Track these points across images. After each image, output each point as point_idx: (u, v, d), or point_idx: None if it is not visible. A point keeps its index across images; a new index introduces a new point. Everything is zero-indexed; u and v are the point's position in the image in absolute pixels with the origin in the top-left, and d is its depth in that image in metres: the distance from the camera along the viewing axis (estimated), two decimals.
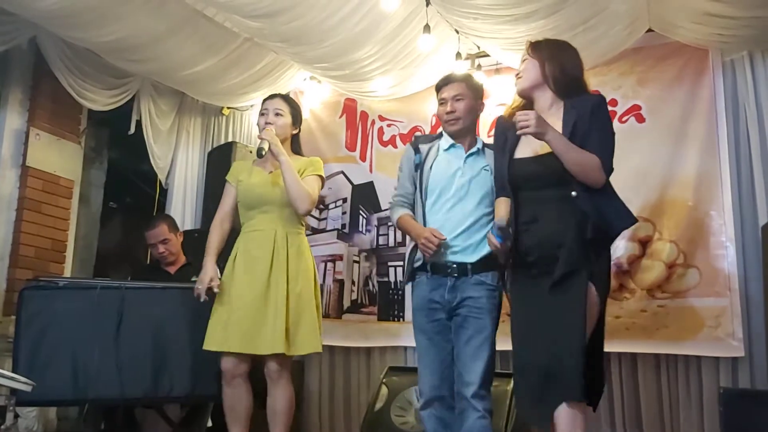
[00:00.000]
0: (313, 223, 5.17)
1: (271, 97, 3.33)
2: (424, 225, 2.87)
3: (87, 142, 5.28)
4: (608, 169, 2.42)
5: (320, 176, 3.25)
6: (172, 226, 4.20)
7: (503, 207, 2.60)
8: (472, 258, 2.81)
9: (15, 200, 4.64)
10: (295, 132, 3.31)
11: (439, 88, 3.06)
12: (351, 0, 3.84)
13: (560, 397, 2.27)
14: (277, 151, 3.08)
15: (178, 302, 3.32)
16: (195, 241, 4.28)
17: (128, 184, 6.37)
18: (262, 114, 3.25)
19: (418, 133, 3.17)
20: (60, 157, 4.92)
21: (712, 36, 3.90)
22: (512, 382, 2.51)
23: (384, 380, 4.14)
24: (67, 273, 4.91)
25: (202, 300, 3.05)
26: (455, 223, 2.84)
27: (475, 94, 3.01)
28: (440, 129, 3.09)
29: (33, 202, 4.69)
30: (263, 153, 3.08)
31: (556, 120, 2.47)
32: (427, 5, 3.94)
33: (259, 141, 3.13)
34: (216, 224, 3.24)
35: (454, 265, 2.81)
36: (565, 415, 2.25)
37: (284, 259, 3.07)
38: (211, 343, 3.02)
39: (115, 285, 3.34)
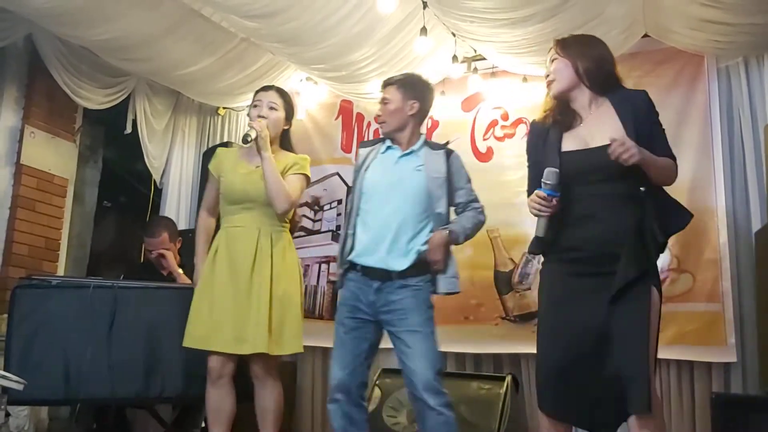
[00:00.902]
0: (308, 224, 5.16)
1: (266, 88, 3.25)
2: (353, 228, 2.91)
3: (82, 141, 5.27)
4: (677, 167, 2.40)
5: (305, 175, 3.18)
6: (173, 234, 4.14)
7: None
8: (398, 265, 2.82)
9: (9, 198, 4.63)
10: (286, 127, 3.25)
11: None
12: (348, 2, 3.84)
13: (630, 408, 2.17)
14: (262, 145, 3.01)
15: (171, 302, 3.30)
16: (189, 241, 4.25)
17: (123, 183, 6.36)
18: (255, 106, 3.17)
19: (363, 140, 3.20)
20: (54, 156, 4.91)
21: (707, 42, 3.91)
22: (539, 374, 2.36)
23: (377, 382, 4.15)
24: (61, 272, 4.90)
25: None
26: (382, 226, 2.85)
27: (405, 95, 3.00)
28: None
29: (27, 200, 4.68)
30: (249, 140, 3.01)
31: (607, 119, 2.38)
32: (424, 8, 3.94)
33: (248, 128, 3.05)
34: (201, 223, 3.24)
35: (380, 271, 2.82)
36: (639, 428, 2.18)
37: (268, 258, 3.02)
38: (191, 341, 2.98)
39: (108, 284, 3.32)
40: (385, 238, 2.84)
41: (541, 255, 2.51)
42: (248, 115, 3.21)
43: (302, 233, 5.15)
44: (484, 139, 4.73)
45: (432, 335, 2.80)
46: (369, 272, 2.85)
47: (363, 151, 3.07)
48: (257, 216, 3.08)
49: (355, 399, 2.80)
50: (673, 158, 2.40)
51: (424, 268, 2.84)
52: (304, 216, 5.16)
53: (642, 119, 2.35)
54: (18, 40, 4.47)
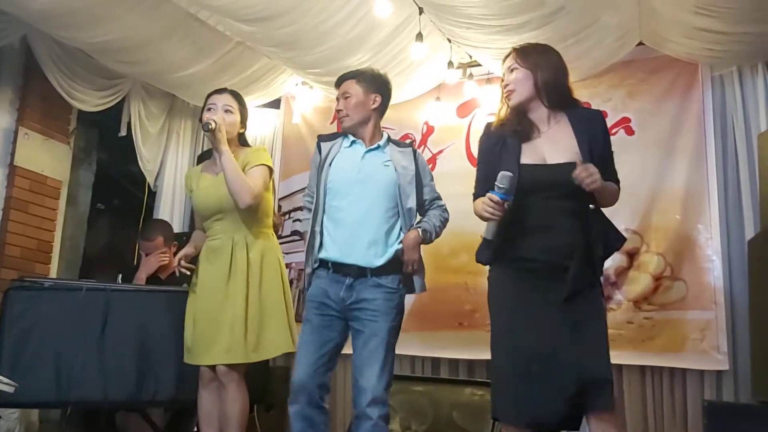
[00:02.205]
0: (302, 228, 5.15)
1: (219, 91, 3.18)
2: (320, 225, 2.88)
3: (76, 143, 5.25)
4: None
5: (265, 166, 3.09)
6: (169, 238, 4.14)
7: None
8: (373, 261, 2.80)
9: (2, 200, 4.60)
10: (242, 131, 3.20)
11: (336, 86, 3.09)
12: (344, 6, 3.84)
13: (595, 406, 2.25)
14: (219, 138, 2.94)
15: (164, 306, 3.30)
16: (183, 245, 4.25)
17: (117, 186, 6.34)
18: (209, 109, 3.11)
19: (321, 134, 3.17)
20: (48, 157, 4.89)
21: (702, 51, 3.93)
22: (499, 383, 2.38)
23: None
24: (53, 274, 4.88)
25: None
26: (354, 222, 2.83)
27: (367, 89, 2.99)
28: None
29: (20, 202, 4.66)
30: (210, 128, 2.94)
31: (564, 136, 2.44)
32: (420, 14, 3.95)
33: (206, 120, 3.00)
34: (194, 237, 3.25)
35: (354, 267, 2.79)
36: (604, 426, 2.25)
37: (243, 265, 2.99)
38: (185, 355, 3.05)
39: (100, 287, 3.32)
40: (359, 234, 2.81)
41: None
42: (200, 120, 3.14)
43: (296, 237, 5.14)
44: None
45: (394, 346, 2.79)
46: (341, 269, 2.82)
47: (324, 146, 3.01)
48: (229, 225, 3.05)
49: (316, 401, 2.75)
50: (618, 183, 2.51)
51: (397, 266, 2.83)
52: (298, 220, 5.15)
53: (598, 141, 2.44)
54: (13, 42, 4.46)
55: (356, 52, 4.24)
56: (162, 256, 4.03)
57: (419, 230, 2.85)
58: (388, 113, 4.95)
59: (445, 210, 3.02)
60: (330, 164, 2.94)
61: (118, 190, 6.41)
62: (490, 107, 4.55)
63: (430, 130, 4.90)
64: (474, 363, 4.46)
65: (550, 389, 2.26)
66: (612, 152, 2.51)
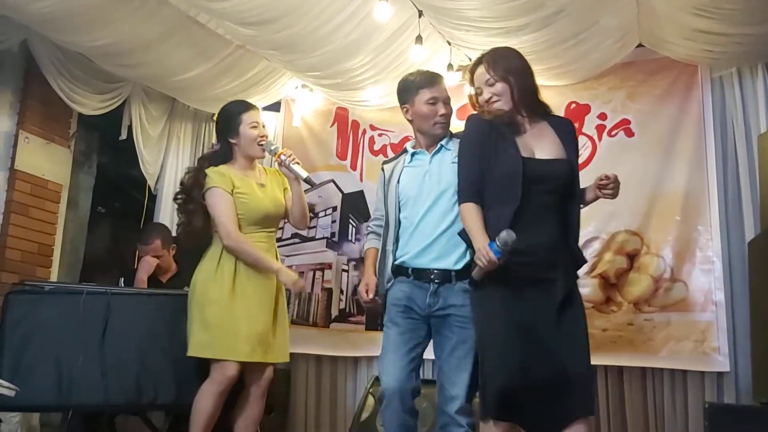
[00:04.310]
0: (303, 231, 5.15)
1: (255, 108, 3.34)
2: (396, 241, 2.84)
3: (76, 146, 5.25)
4: None
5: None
6: (166, 240, 4.14)
7: (477, 216, 2.45)
8: (456, 264, 2.72)
9: (2, 203, 4.59)
10: None
11: (428, 84, 2.91)
12: (344, 9, 3.84)
13: (576, 410, 2.29)
14: (297, 164, 3.13)
15: (165, 309, 3.30)
16: (185, 248, 4.26)
17: (117, 189, 6.34)
18: (254, 127, 3.22)
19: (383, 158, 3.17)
20: (49, 161, 4.89)
21: (701, 52, 3.94)
22: (493, 379, 2.36)
23: (371, 390, 4.14)
24: (54, 278, 4.87)
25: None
26: (432, 228, 2.76)
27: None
28: (407, 143, 3.06)
29: (20, 206, 4.65)
30: (273, 148, 3.18)
31: (547, 134, 2.51)
32: (420, 16, 3.95)
33: (272, 144, 3.22)
34: (247, 241, 3.13)
35: (436, 271, 2.72)
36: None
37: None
38: (236, 354, 2.99)
39: (101, 290, 3.31)
40: (438, 238, 2.74)
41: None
42: (249, 136, 3.23)
43: (297, 240, 5.15)
44: None
45: (476, 348, 2.63)
46: (422, 275, 2.74)
47: (387, 167, 3.02)
48: (271, 235, 3.27)
49: (410, 406, 2.68)
50: None
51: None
52: None
53: (573, 148, 2.57)
54: (13, 46, 4.46)
55: (356, 54, 4.25)
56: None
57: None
58: (388, 116, 5.02)
59: None
60: (398, 181, 2.91)
61: (118, 194, 6.41)
62: None
63: None
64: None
65: (539, 390, 2.29)
66: None
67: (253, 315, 3.04)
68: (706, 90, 4.14)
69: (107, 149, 5.81)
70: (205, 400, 2.98)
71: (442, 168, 2.83)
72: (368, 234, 3.11)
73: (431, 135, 2.91)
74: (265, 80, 4.86)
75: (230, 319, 3.01)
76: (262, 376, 3.15)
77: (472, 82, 2.64)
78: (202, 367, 3.05)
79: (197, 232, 3.16)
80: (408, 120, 2.99)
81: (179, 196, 3.25)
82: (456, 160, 2.71)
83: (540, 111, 2.58)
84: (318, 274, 5.06)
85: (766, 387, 3.15)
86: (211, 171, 3.17)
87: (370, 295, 2.86)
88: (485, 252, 2.29)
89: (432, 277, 2.72)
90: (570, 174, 2.48)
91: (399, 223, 2.86)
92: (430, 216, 2.79)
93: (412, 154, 2.96)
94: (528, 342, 2.33)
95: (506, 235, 2.24)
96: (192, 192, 3.18)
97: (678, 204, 4.08)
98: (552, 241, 2.39)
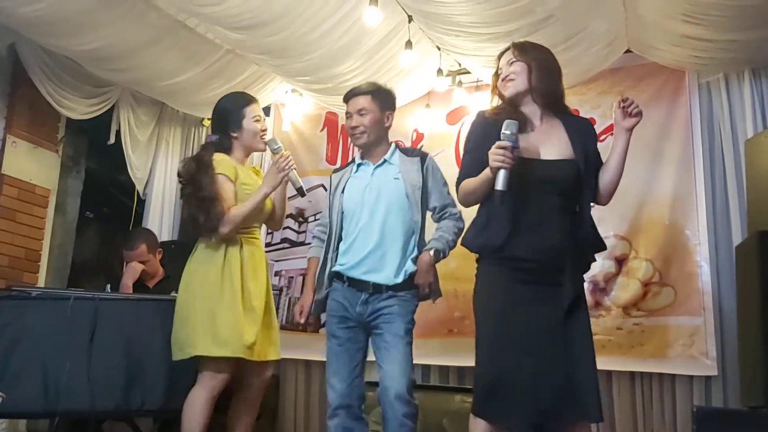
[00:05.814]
0: (292, 236, 5.15)
1: (256, 100, 3.25)
2: (336, 250, 2.92)
3: (64, 151, 5.22)
4: None
5: None
6: (152, 245, 4.10)
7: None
8: (389, 280, 2.82)
9: None
10: None
11: (345, 100, 3.04)
12: (334, 14, 3.85)
13: (581, 415, 2.27)
14: (296, 178, 3.03)
15: (152, 314, 3.27)
16: (172, 253, 4.23)
17: (106, 194, 6.31)
18: (257, 120, 3.13)
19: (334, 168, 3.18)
20: (36, 166, 4.86)
21: (689, 58, 3.97)
22: (483, 379, 2.35)
23: None
24: (41, 283, 4.85)
25: None
26: (366, 240, 2.85)
27: (382, 106, 2.99)
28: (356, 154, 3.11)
29: (8, 211, 4.62)
30: (275, 147, 3.02)
31: (556, 133, 2.45)
32: (410, 21, 3.96)
33: (274, 142, 3.07)
34: (234, 211, 2.98)
35: (369, 283, 2.83)
36: None
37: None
38: (236, 350, 2.89)
39: (88, 296, 3.29)
40: (374, 251, 2.83)
41: (478, 255, 2.50)
42: (251, 129, 3.11)
43: (286, 245, 5.14)
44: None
45: (410, 346, 2.81)
46: (357, 284, 2.85)
47: (335, 176, 3.08)
48: (257, 230, 3.20)
49: (356, 413, 2.78)
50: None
51: (412, 283, 2.85)
52: (288, 228, 5.14)
53: (591, 150, 2.47)
54: (1, 50, 4.44)
55: (346, 59, 4.25)
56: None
57: (431, 252, 2.83)
58: None
59: (459, 218, 2.94)
60: (342, 191, 2.96)
61: (107, 199, 6.38)
62: None
63: (419, 137, 4.91)
64: (464, 370, 4.46)
65: (535, 396, 2.26)
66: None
67: (255, 313, 3.00)
68: (694, 95, 4.18)
69: (95, 154, 5.78)
70: (197, 408, 2.90)
71: (383, 182, 2.91)
72: (313, 238, 3.22)
73: (355, 145, 3.07)
74: (254, 85, 4.86)
75: (228, 312, 2.97)
76: (263, 374, 3.10)
77: (498, 66, 2.59)
78: (190, 372, 3.01)
79: (213, 220, 2.95)
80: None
81: (187, 188, 3.03)
82: (398, 177, 2.90)
83: (556, 107, 2.50)
84: None
85: (754, 391, 3.17)
86: (217, 157, 3.06)
87: (302, 319, 3.01)
88: (495, 148, 2.25)
89: (364, 287, 2.84)
90: (575, 175, 2.39)
91: (339, 232, 2.94)
92: (367, 229, 2.86)
93: (358, 165, 3.01)
94: (528, 346, 2.29)
95: (505, 123, 2.27)
96: (202, 179, 2.98)
97: (666, 208, 4.10)
98: (558, 244, 2.34)
